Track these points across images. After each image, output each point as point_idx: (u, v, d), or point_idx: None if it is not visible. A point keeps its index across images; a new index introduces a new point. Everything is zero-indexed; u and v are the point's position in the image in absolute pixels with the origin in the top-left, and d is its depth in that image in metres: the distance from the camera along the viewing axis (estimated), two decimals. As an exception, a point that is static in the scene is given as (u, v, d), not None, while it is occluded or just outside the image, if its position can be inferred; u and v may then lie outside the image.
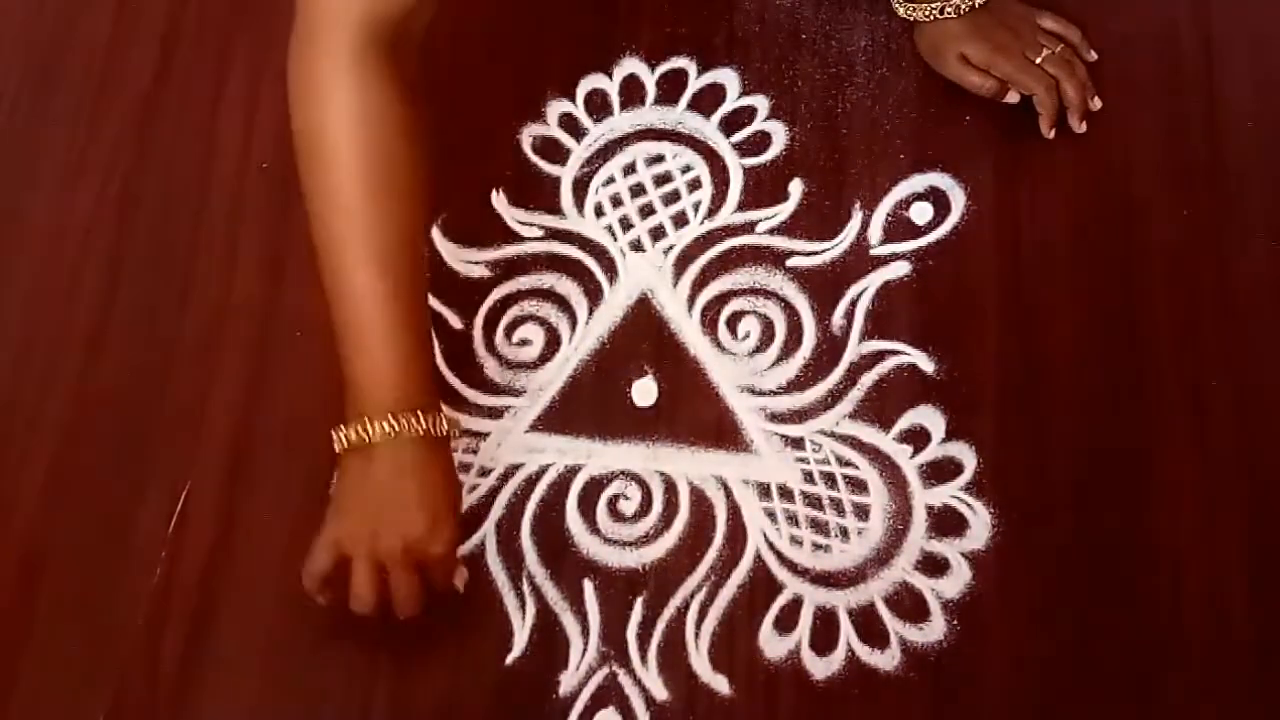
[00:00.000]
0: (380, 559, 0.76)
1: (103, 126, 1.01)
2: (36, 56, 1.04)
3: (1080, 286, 0.88)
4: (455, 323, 0.92)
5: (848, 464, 0.85)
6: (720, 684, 0.80)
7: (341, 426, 0.77)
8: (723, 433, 0.87)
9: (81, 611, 0.85)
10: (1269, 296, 0.87)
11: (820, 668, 0.80)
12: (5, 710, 0.83)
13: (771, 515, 0.84)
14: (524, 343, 0.91)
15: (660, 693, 0.80)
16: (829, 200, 0.93)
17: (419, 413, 0.76)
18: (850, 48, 0.97)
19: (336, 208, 0.76)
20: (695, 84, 0.97)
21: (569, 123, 0.97)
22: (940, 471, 0.84)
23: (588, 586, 0.83)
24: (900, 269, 0.90)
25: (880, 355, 0.88)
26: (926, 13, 0.92)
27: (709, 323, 0.90)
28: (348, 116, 0.76)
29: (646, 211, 0.94)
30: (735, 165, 0.95)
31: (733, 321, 0.90)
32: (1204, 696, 0.78)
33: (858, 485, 0.84)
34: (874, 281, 0.90)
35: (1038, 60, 0.91)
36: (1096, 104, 0.92)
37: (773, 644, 0.81)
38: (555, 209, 0.95)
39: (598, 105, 0.98)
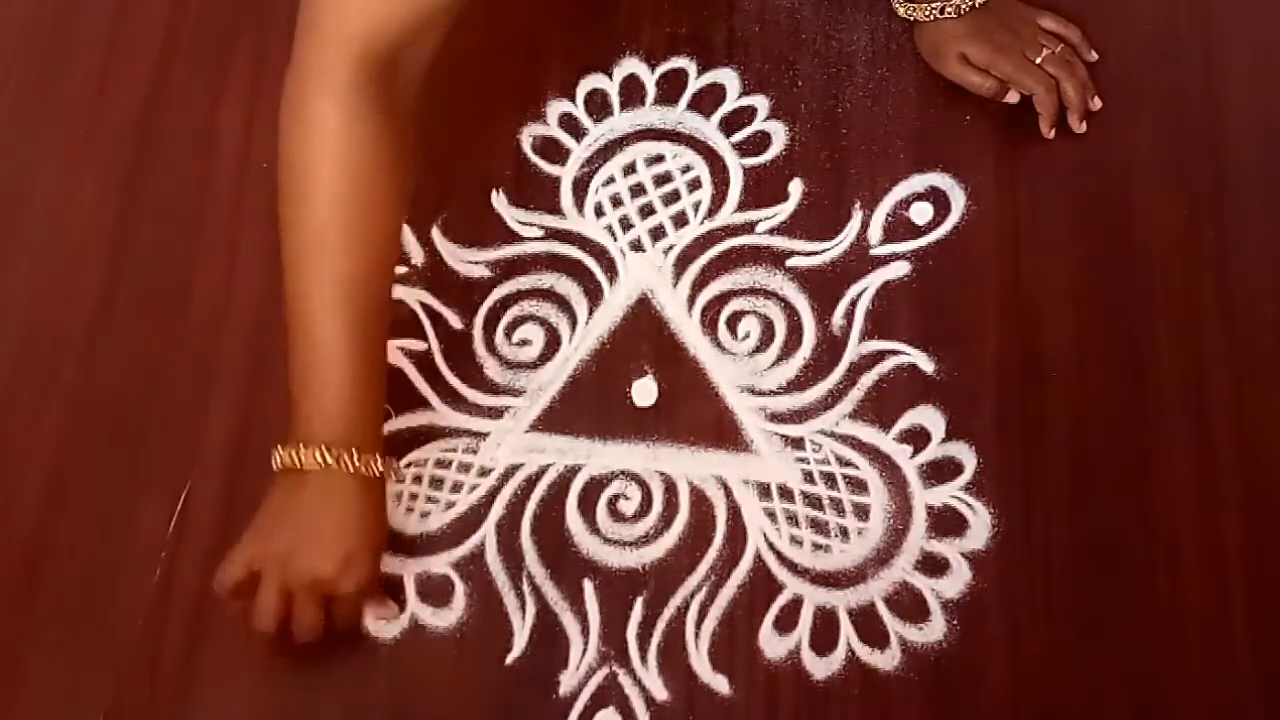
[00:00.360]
0: (289, 585, 0.77)
1: (103, 126, 1.01)
2: (36, 56, 1.04)
3: (1080, 286, 0.88)
4: (455, 323, 0.92)
5: (848, 464, 0.85)
6: (720, 684, 0.80)
7: (281, 446, 0.77)
8: (723, 433, 0.87)
9: (81, 611, 0.85)
10: (1269, 296, 0.87)
11: (820, 668, 0.80)
12: (6, 709, 0.83)
13: (771, 515, 0.84)
14: (524, 343, 0.91)
15: (660, 693, 0.80)
16: (829, 200, 0.93)
17: (355, 451, 0.76)
18: (850, 48, 0.97)
19: (310, 240, 0.76)
20: (695, 84, 0.97)
21: (569, 123, 0.97)
22: (940, 471, 0.84)
23: (588, 586, 0.83)
24: (900, 269, 0.90)
25: (880, 355, 0.88)
26: (926, 13, 0.92)
27: (709, 323, 0.90)
28: (333, 152, 0.75)
29: (646, 211, 0.94)
30: (735, 165, 0.95)
31: (733, 321, 0.90)
32: (1204, 696, 0.78)
33: (858, 485, 0.84)
34: (874, 281, 0.90)
35: (1038, 60, 0.91)
36: (1096, 104, 0.92)
37: (773, 644, 0.81)
38: (555, 209, 0.95)
39: (598, 105, 0.98)
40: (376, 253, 0.78)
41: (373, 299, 0.78)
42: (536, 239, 0.94)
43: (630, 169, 0.95)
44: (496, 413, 0.89)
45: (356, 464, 0.76)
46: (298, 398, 0.77)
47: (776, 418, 0.87)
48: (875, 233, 0.91)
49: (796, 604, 0.82)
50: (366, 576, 0.78)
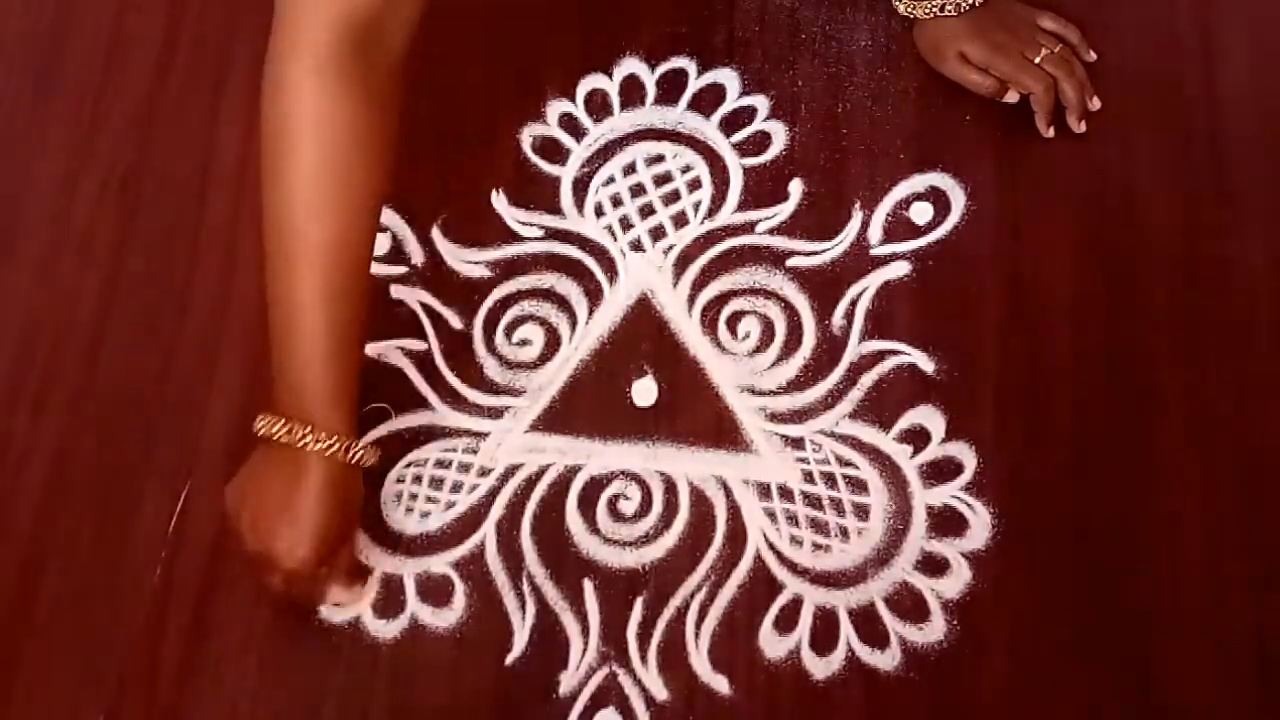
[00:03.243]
0: (249, 552, 0.79)
1: (103, 126, 1.01)
2: (36, 56, 1.04)
3: (1080, 286, 0.88)
4: (455, 323, 0.92)
5: (848, 464, 0.85)
6: (720, 684, 0.80)
7: (265, 413, 0.78)
8: (723, 433, 0.87)
9: (81, 611, 0.85)
10: (1269, 297, 0.87)
11: (820, 668, 0.80)
12: (5, 710, 0.83)
13: (771, 515, 0.84)
14: (524, 343, 0.91)
15: (660, 693, 0.80)
16: (829, 200, 0.93)
17: (314, 428, 0.76)
18: (850, 48, 0.97)
19: (288, 211, 0.76)
20: (695, 84, 0.97)
21: (569, 123, 0.97)
22: (940, 471, 0.84)
23: (588, 586, 0.83)
24: (900, 269, 0.90)
25: (880, 355, 0.88)
26: (926, 10, 0.92)
27: (709, 323, 0.90)
28: (310, 124, 0.75)
29: (646, 211, 0.94)
30: (735, 165, 0.95)
31: (733, 321, 0.90)
32: (1204, 697, 0.78)
33: (858, 485, 0.84)
34: (874, 281, 0.90)
35: (1037, 60, 0.91)
36: (1095, 104, 0.92)
37: (773, 644, 0.81)
38: (555, 209, 0.95)
39: (598, 105, 0.98)
40: (351, 229, 0.77)
41: (349, 272, 0.77)
42: (536, 239, 0.94)
43: (630, 169, 0.95)
44: (496, 413, 0.89)
45: (321, 442, 0.76)
46: (275, 369, 0.78)
47: (776, 418, 0.87)
48: (875, 233, 0.91)
49: (796, 604, 0.82)
50: (308, 557, 0.77)
